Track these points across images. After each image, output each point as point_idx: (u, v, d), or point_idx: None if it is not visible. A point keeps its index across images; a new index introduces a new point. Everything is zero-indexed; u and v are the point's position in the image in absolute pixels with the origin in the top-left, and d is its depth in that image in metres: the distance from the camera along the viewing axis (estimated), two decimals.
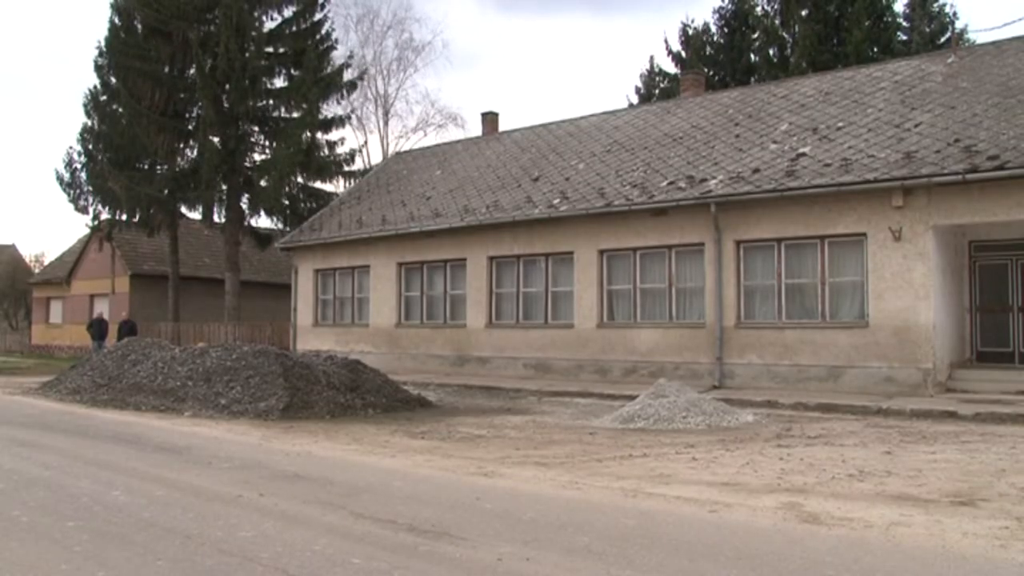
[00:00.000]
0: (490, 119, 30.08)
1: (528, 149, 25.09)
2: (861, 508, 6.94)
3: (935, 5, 36.23)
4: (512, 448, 10.59)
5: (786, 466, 8.94)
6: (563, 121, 26.34)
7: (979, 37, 30.14)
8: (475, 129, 34.95)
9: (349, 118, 37.10)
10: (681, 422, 12.49)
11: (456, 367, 22.02)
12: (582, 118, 25.94)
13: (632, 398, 13.98)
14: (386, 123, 44.91)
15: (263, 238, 33.36)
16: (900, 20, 36.68)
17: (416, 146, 39.62)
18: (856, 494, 7.52)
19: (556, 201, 20.67)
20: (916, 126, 16.96)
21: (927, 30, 35.32)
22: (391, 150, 42.94)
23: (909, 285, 15.60)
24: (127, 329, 25.80)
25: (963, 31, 34.81)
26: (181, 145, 31.74)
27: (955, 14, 36.50)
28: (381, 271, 24.42)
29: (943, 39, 34.64)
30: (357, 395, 14.92)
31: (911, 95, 18.39)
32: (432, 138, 45.50)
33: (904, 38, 35.81)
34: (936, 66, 19.54)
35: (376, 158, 41.84)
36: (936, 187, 15.27)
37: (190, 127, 31.34)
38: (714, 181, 18.13)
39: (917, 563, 5.55)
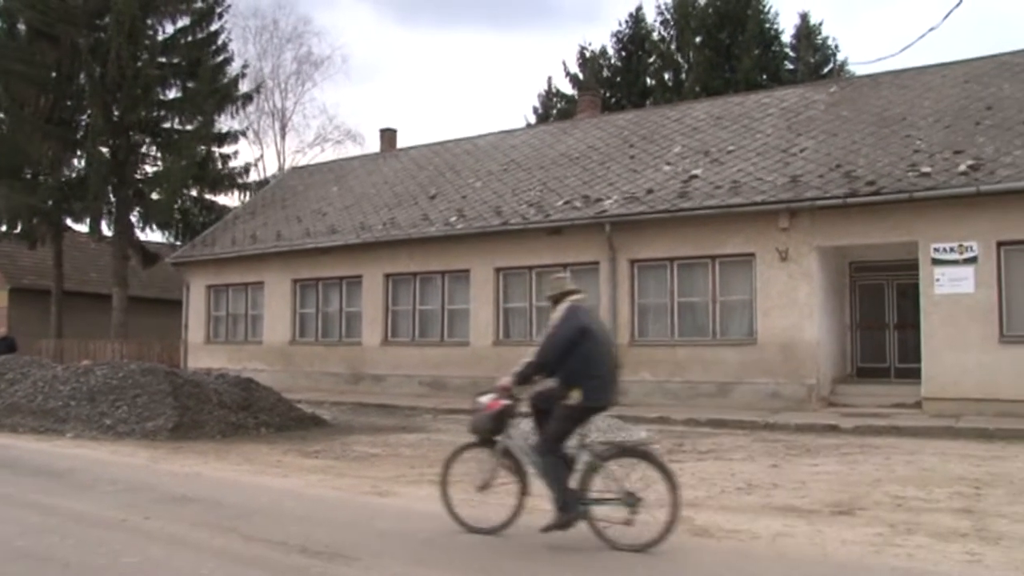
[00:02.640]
0: (388, 136, 29.98)
1: (426, 167, 25.09)
2: (749, 520, 7.14)
3: (819, 38, 37.77)
4: (407, 467, 10.54)
5: (679, 481, 9.12)
6: (461, 139, 26.44)
7: (858, 69, 31.44)
8: (373, 145, 34.78)
9: (245, 131, 36.50)
10: None
11: (351, 385, 21.79)
12: (480, 136, 26.10)
13: (528, 415, 14.03)
14: (283, 137, 44.38)
15: (153, 253, 32.39)
16: (787, 50, 38.13)
17: (313, 161, 39.14)
18: (744, 507, 7.75)
19: (453, 219, 20.72)
20: (801, 151, 17.63)
21: (812, 60, 36.77)
22: (288, 164, 42.36)
23: (794, 304, 16.17)
24: (5, 346, 24.63)
25: (844, 63, 36.44)
26: (68, 154, 30.56)
27: (837, 47, 38.15)
28: (275, 287, 24.02)
29: (826, 69, 36.15)
30: (250, 414, 14.60)
31: (797, 121, 19.11)
32: (330, 153, 44.99)
33: (791, 67, 37.22)
34: (820, 95, 20.36)
35: (272, 172, 41.17)
36: (819, 210, 15.89)
37: (78, 136, 30.15)
38: (609, 201, 18.47)
39: (800, 572, 5.76)
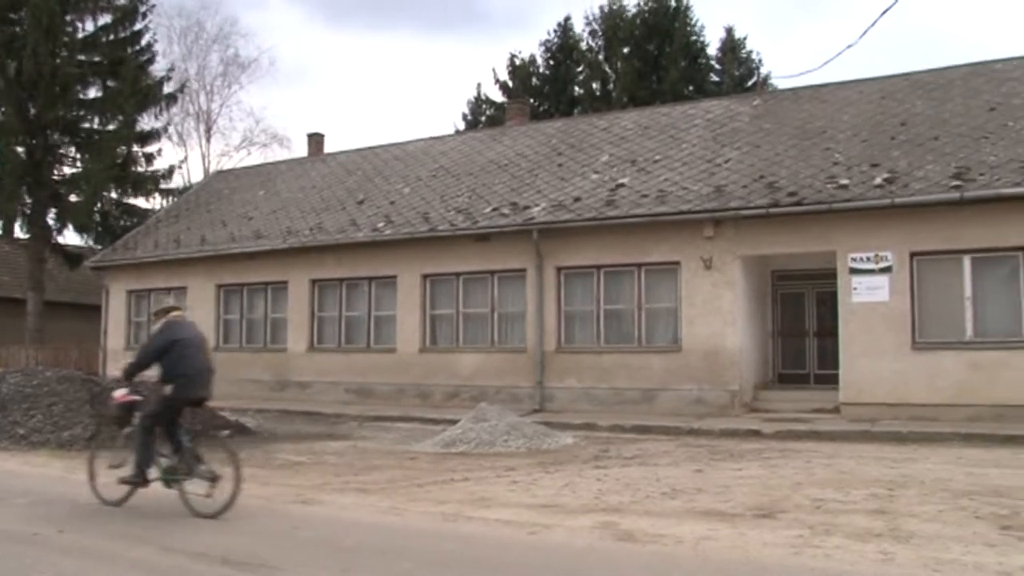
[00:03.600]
0: (316, 140, 29.67)
1: (354, 172, 24.91)
2: (673, 525, 7.25)
3: (743, 51, 38.60)
4: (332, 474, 10.45)
5: (603, 486, 9.23)
6: (390, 145, 26.30)
7: (780, 83, 32.26)
8: (301, 150, 34.42)
9: (168, 132, 35.71)
10: (502, 445, 12.64)
11: (276, 392, 21.49)
12: (409, 142, 26.00)
13: (454, 422, 14.05)
14: (208, 140, 43.41)
15: (72, 256, 31.51)
16: (713, 63, 38.89)
17: (239, 165, 38.52)
18: (669, 511, 7.86)
19: (380, 225, 20.61)
20: (726, 162, 17.97)
21: (736, 73, 37.57)
22: (213, 168, 41.58)
23: (718, 311, 16.46)
24: None
25: (767, 77, 37.29)
26: None
27: (760, 61, 39.11)
28: (199, 293, 23.56)
29: (750, 83, 36.92)
30: None
31: (722, 133, 19.47)
32: (256, 157, 44.19)
33: (716, 79, 37.97)
34: (744, 107, 20.79)
35: (197, 175, 40.40)
36: (743, 220, 16.23)
37: None
38: (537, 208, 18.58)
39: (723, 575, 5.87)
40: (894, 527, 6.99)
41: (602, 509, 7.97)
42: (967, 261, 14.89)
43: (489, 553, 6.47)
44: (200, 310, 23.35)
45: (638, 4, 39.05)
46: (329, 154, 28.30)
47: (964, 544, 6.42)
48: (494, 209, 19.28)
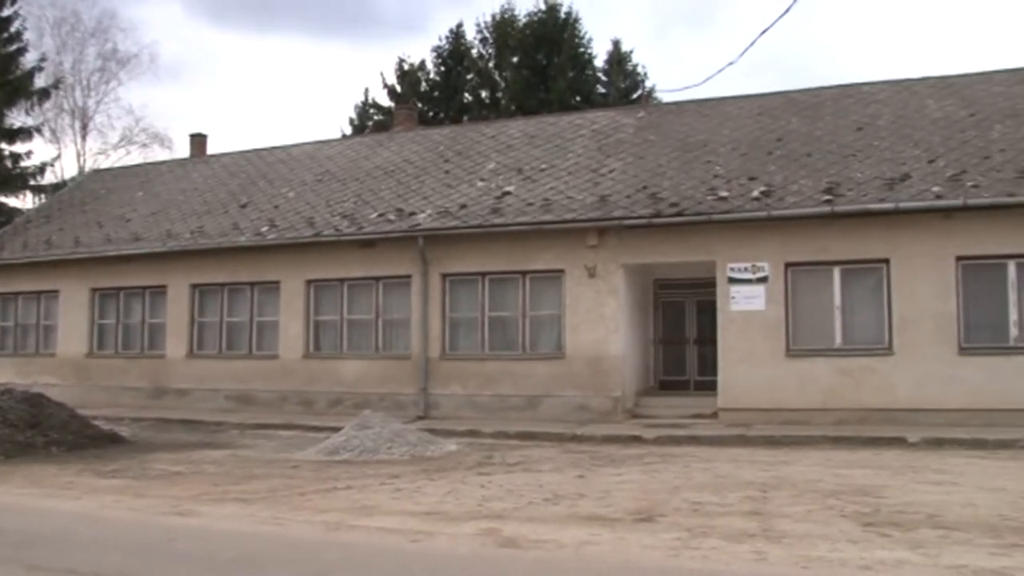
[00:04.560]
0: (198, 141, 28.88)
1: (237, 174, 24.34)
2: (555, 530, 7.32)
3: (630, 64, 39.43)
4: (210, 484, 10.18)
5: (487, 493, 9.26)
6: (275, 148, 25.80)
7: (664, 97, 33.13)
8: (183, 150, 33.41)
9: (40, 129, 34.18)
10: (386, 453, 12.55)
11: (153, 400, 20.79)
12: (294, 146, 25.56)
13: (337, 430, 13.87)
14: (84, 137, 41.63)
15: None
16: (600, 74, 39.58)
17: (117, 164, 37.13)
18: (551, 517, 7.93)
19: (264, 229, 20.20)
20: (610, 172, 18.30)
21: (622, 86, 38.35)
22: (89, 166, 39.94)
23: (601, 319, 16.73)
24: None
25: (652, 90, 38.23)
26: None
27: (646, 74, 40.04)
28: (72, 296, 22.62)
29: (635, 95, 37.74)
30: (38, 432, 13.64)
31: (607, 143, 19.82)
32: (136, 157, 42.44)
33: (603, 91, 38.67)
34: (629, 119, 21.21)
35: (71, 174, 38.75)
36: (626, 229, 16.55)
37: None
38: (423, 215, 18.53)
39: None
40: (767, 527, 7.23)
41: (485, 516, 7.99)
42: (837, 272, 15.57)
43: (371, 562, 6.41)
44: (72, 315, 22.48)
45: (528, 14, 39.51)
46: (212, 156, 27.58)
47: (831, 541, 6.69)
48: (380, 215, 19.14)
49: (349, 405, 18.03)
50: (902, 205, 14.90)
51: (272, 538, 7.21)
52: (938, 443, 12.69)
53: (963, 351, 14.74)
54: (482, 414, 17.18)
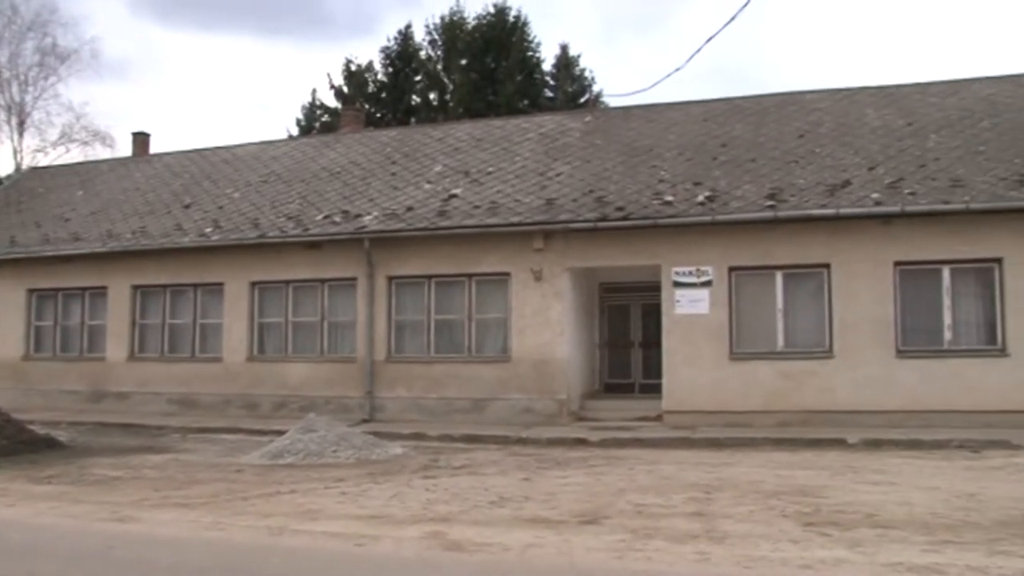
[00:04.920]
0: (141, 140, 28.36)
1: (181, 174, 23.96)
2: (500, 533, 7.32)
3: (577, 69, 39.60)
4: (151, 490, 10.00)
5: (432, 496, 9.24)
6: (219, 148, 25.45)
7: (611, 101, 33.34)
8: (125, 149, 32.70)
9: None
10: (331, 456, 12.46)
11: (93, 404, 20.37)
12: (239, 146, 25.25)
13: (282, 433, 13.73)
14: (21, 134, 40.65)
15: None
16: (548, 78, 39.70)
17: (56, 162, 36.30)
18: (496, 520, 7.93)
19: (208, 230, 19.92)
20: (557, 176, 18.38)
21: (570, 90, 38.51)
22: (26, 164, 38.98)
23: (547, 322, 16.78)
24: None
25: (599, 94, 38.37)
26: None
27: (593, 78, 40.17)
28: (7, 297, 22.05)
29: (583, 99, 37.92)
30: None
31: (554, 147, 19.90)
32: (76, 155, 41.49)
33: (551, 95, 38.79)
34: (576, 123, 21.32)
35: (7, 172, 37.81)
36: (572, 233, 16.62)
37: None
38: (369, 217, 18.43)
39: None
40: (710, 528, 7.31)
41: (430, 519, 7.97)
42: (779, 276, 15.82)
43: (315, 567, 6.35)
44: (8, 316, 21.93)
45: (477, 17, 39.50)
46: (155, 155, 27.10)
47: (772, 541, 6.79)
48: (325, 217, 18.99)
49: (294, 408, 17.85)
50: (843, 211, 15.20)
51: (214, 544, 7.11)
52: (876, 444, 12.96)
53: (900, 354, 15.08)
54: (428, 417, 17.13)
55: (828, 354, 15.39)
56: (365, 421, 17.04)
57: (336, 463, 12.14)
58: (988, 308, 15.10)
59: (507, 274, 17.21)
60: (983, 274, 15.16)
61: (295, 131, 39.86)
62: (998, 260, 14.96)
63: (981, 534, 7.00)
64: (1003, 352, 14.79)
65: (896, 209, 14.98)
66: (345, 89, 39.78)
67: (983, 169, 15.71)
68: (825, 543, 6.75)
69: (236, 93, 70.63)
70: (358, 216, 18.61)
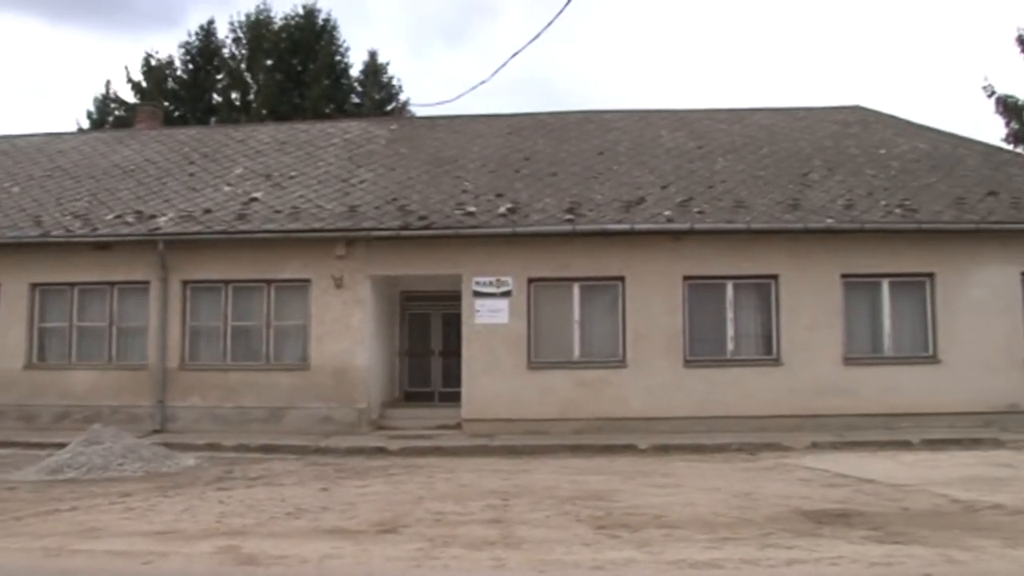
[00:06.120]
0: None
1: None
2: (297, 545, 7.18)
3: (385, 76, 39.46)
4: None
5: (226, 509, 8.95)
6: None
7: (418, 111, 33.56)
8: None
9: None
10: (117, 470, 11.81)
11: None
12: (21, 136, 23.52)
13: (63, 446, 12.87)
14: None
15: None
16: (355, 84, 39.31)
17: None
18: (293, 532, 7.78)
19: None
20: (361, 182, 18.25)
21: (377, 97, 38.30)
22: None
23: (348, 330, 16.62)
24: None
25: (406, 103, 38.44)
26: None
27: (401, 87, 40.10)
28: None
29: (389, 107, 37.83)
30: None
31: (358, 154, 19.76)
32: None
33: (357, 101, 38.43)
34: (381, 130, 21.28)
35: None
36: (375, 240, 16.54)
37: None
38: (164, 218, 17.64)
39: None
40: (507, 534, 7.47)
41: (224, 533, 7.71)
42: (576, 288, 16.37)
43: None
44: None
45: (285, 17, 38.60)
46: None
47: (566, 545, 7.02)
48: (117, 216, 18.01)
49: (78, 419, 16.76)
50: (637, 227, 15.95)
51: None
52: (665, 449, 13.66)
53: (688, 364, 15.97)
54: (223, 427, 16.55)
55: (622, 364, 16.06)
56: (156, 432, 16.28)
57: (123, 477, 11.53)
58: (766, 321, 16.25)
59: (308, 281, 16.91)
60: (762, 289, 16.30)
61: (86, 124, 37.56)
62: (775, 277, 16.14)
63: (755, 530, 7.51)
64: (777, 362, 15.96)
65: (686, 226, 15.88)
66: (143, 84, 37.82)
67: (763, 192, 16.92)
68: (615, 544, 7.04)
69: (18, 79, 65.87)
70: (152, 217, 17.76)
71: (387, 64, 39.72)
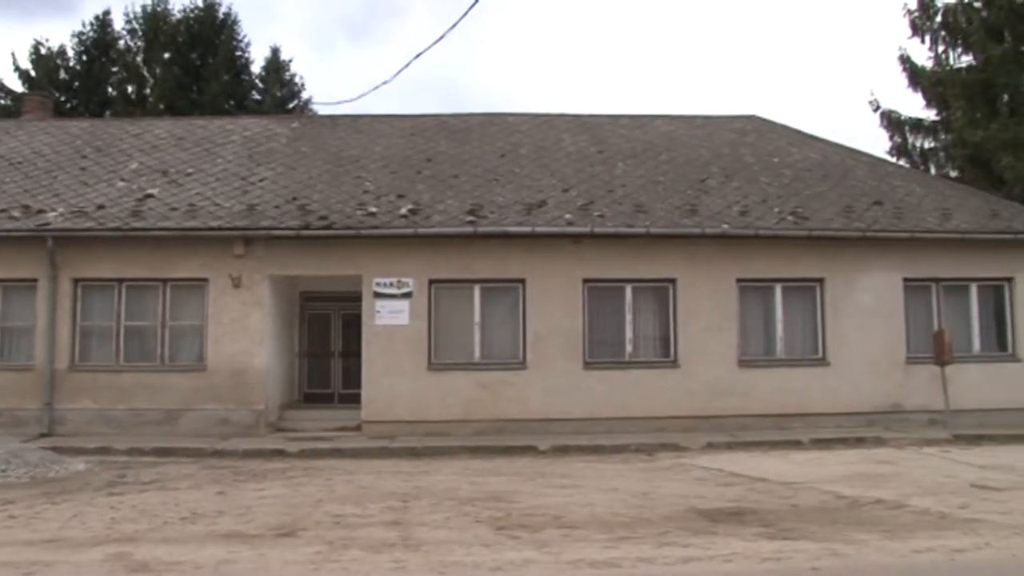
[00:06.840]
0: None
1: None
2: (192, 550, 7.06)
3: (287, 73, 38.86)
4: None
5: (117, 515, 8.72)
6: None
7: (320, 109, 33.13)
8: None
9: None
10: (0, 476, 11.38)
11: None
12: None
13: None
14: None
15: None
16: (256, 81, 38.57)
17: None
18: (188, 537, 7.64)
19: None
20: (260, 181, 17.96)
21: (278, 94, 37.68)
22: None
23: (246, 331, 16.33)
24: None
25: (308, 101, 37.97)
26: None
27: (303, 85, 39.51)
28: None
29: (291, 105, 37.28)
30: None
31: (258, 152, 19.44)
32: None
33: (258, 98, 37.72)
34: (282, 128, 20.97)
35: None
36: (274, 240, 16.30)
37: None
38: (53, 214, 17.03)
39: None
40: (407, 536, 7.49)
41: (115, 540, 7.52)
42: (477, 290, 16.45)
43: None
44: None
45: (184, 10, 37.61)
46: None
47: (466, 546, 7.08)
48: (2, 211, 17.29)
49: None
50: (538, 229, 16.12)
51: None
52: (564, 450, 13.85)
53: (587, 365, 16.21)
54: (116, 430, 16.07)
55: (522, 365, 16.20)
56: (43, 435, 15.70)
57: (6, 483, 11.08)
58: (663, 323, 16.62)
59: (205, 280, 16.55)
60: (660, 292, 16.66)
61: None
62: (672, 280, 16.52)
63: (652, 529, 7.72)
64: (674, 363, 16.35)
65: (586, 230, 16.12)
66: (32, 72, 36.33)
67: (662, 198, 17.30)
68: (515, 545, 7.13)
69: None
70: (41, 212, 17.12)
71: (289, 61, 39.18)
